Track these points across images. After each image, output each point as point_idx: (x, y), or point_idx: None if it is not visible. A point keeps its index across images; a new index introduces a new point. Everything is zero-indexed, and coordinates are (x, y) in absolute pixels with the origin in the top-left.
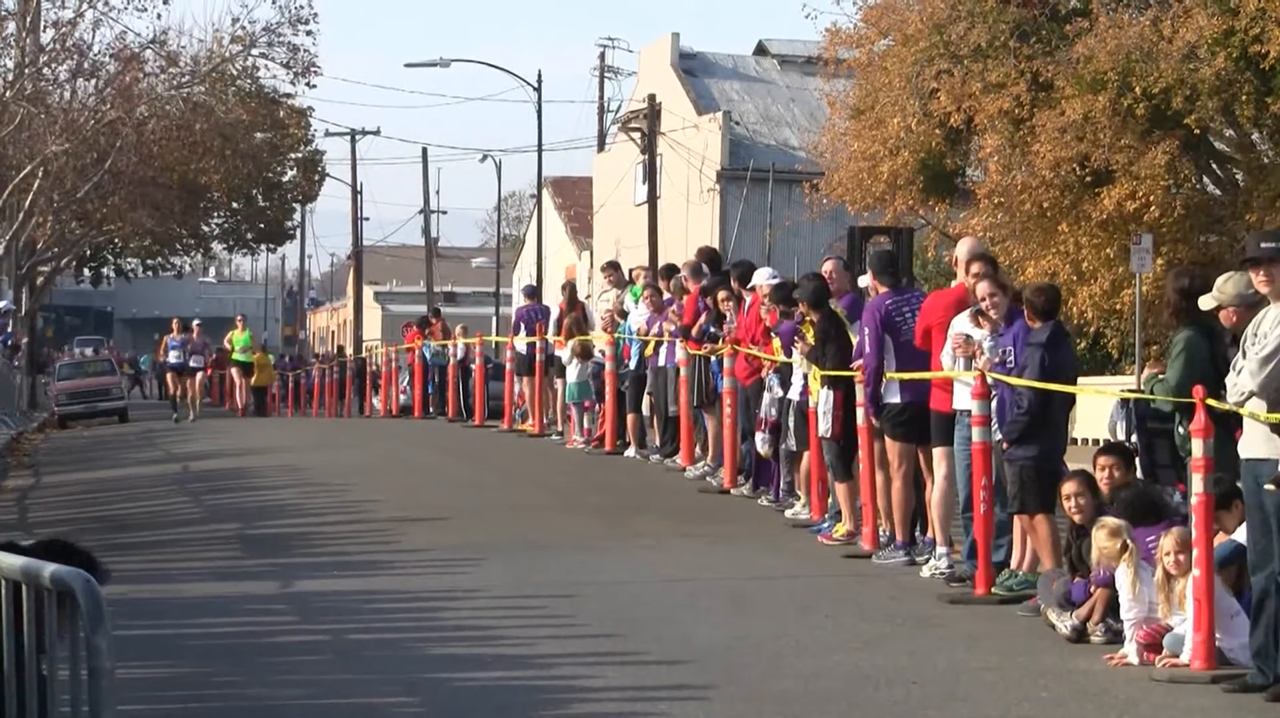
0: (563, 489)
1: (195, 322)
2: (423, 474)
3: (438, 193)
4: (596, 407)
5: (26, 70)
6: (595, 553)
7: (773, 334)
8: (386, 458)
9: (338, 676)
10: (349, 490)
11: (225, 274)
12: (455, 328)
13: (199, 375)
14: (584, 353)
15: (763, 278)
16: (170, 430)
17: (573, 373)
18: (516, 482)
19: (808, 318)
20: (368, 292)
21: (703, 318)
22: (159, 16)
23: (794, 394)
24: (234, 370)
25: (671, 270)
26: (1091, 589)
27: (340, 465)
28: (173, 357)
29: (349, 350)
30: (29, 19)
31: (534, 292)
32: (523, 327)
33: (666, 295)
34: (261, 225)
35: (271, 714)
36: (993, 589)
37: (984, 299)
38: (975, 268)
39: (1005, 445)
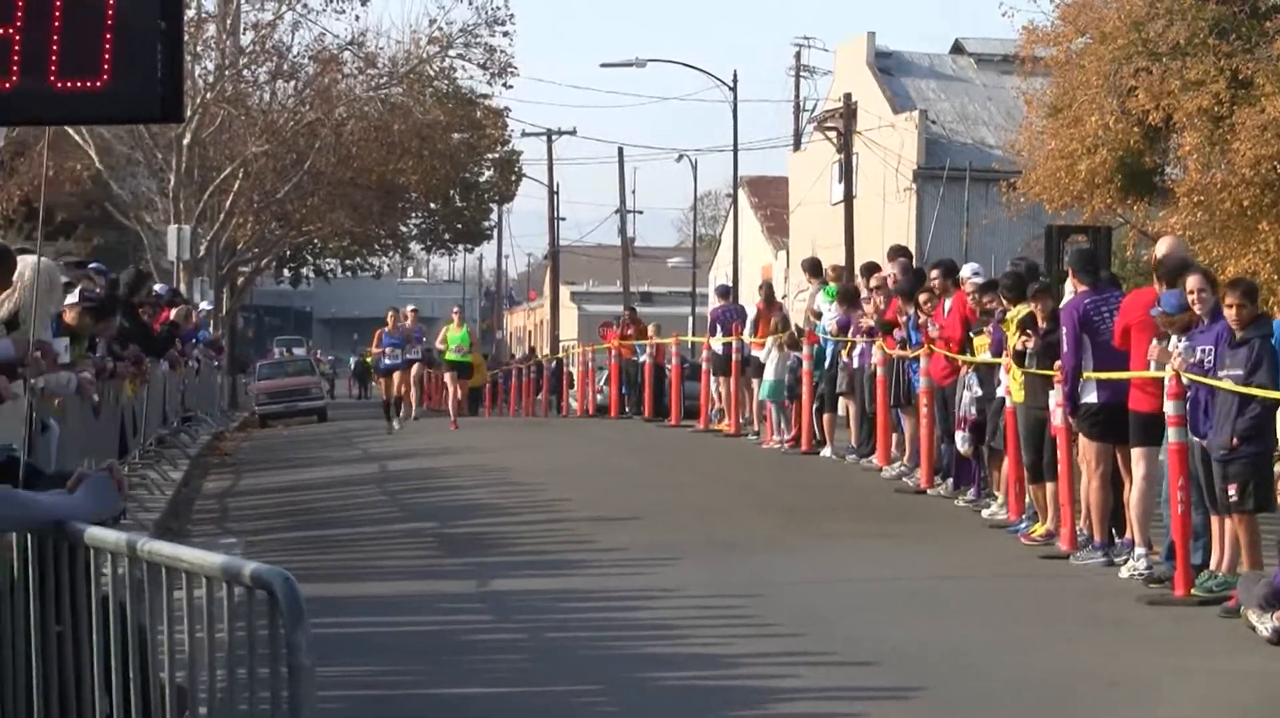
0: (758, 489)
1: (410, 307)
2: (618, 474)
3: (633, 192)
4: (790, 406)
5: (227, 72)
6: (789, 553)
7: (971, 333)
8: (582, 458)
9: (532, 673)
10: (544, 490)
11: (424, 274)
12: (649, 328)
13: (415, 368)
14: (792, 343)
15: (967, 273)
16: (368, 430)
17: (770, 370)
18: (711, 482)
19: (1010, 315)
20: (564, 291)
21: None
22: (357, 18)
23: (999, 392)
24: (446, 374)
25: (872, 268)
26: None
27: (536, 465)
28: (386, 356)
29: (544, 350)
30: (229, 21)
31: (728, 291)
32: (718, 327)
33: (864, 294)
34: (459, 225)
35: (464, 711)
36: (1192, 591)
37: (1192, 293)
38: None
39: (1234, 444)
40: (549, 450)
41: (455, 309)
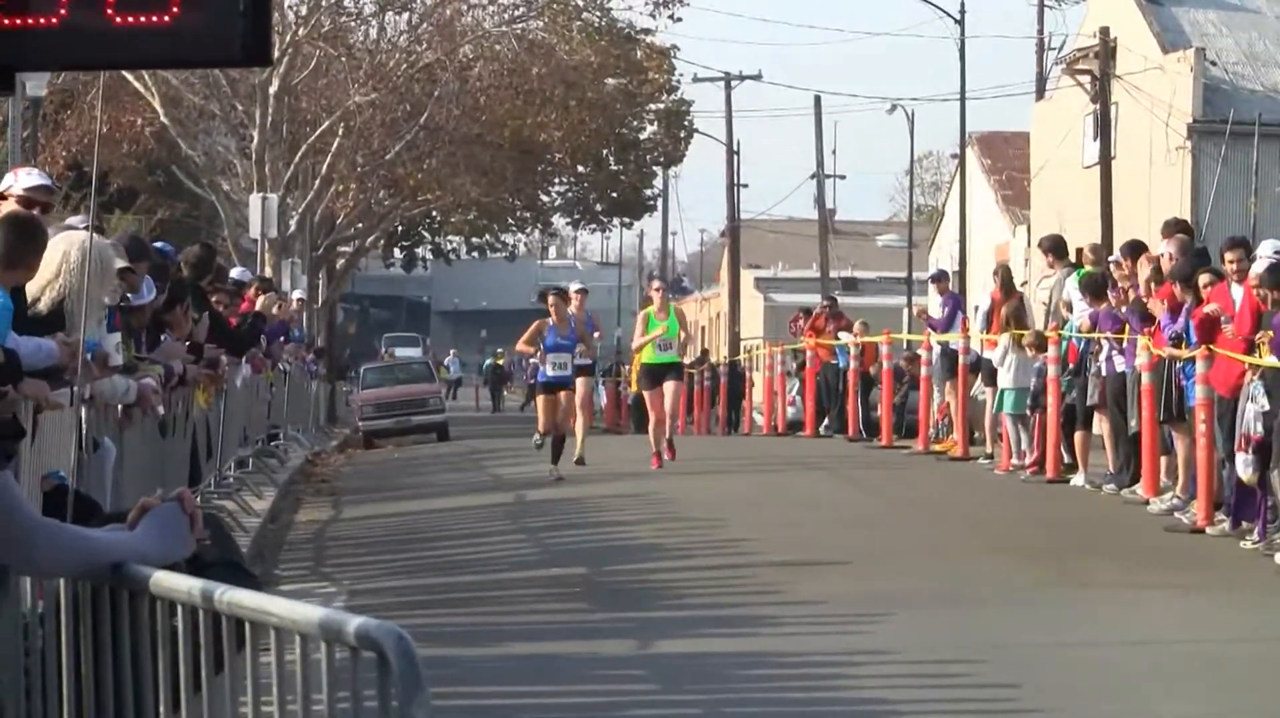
0: (991, 526)
1: (574, 285)
2: (814, 508)
3: (834, 153)
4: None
5: (324, 4)
6: (1031, 607)
7: (1257, 334)
8: (769, 487)
9: None
10: (722, 527)
11: (570, 255)
12: (855, 324)
13: (582, 384)
14: (1038, 344)
15: (1266, 252)
16: (500, 452)
17: (1007, 376)
18: (933, 517)
19: None
20: (746, 277)
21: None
22: None
23: None
24: (643, 378)
25: (1137, 248)
26: None
27: (711, 495)
28: (550, 365)
29: (722, 352)
30: None
31: (944, 276)
32: (948, 319)
33: (1128, 280)
34: (614, 194)
35: None
36: None
37: None
38: None
39: None
40: (727, 477)
41: (655, 286)
